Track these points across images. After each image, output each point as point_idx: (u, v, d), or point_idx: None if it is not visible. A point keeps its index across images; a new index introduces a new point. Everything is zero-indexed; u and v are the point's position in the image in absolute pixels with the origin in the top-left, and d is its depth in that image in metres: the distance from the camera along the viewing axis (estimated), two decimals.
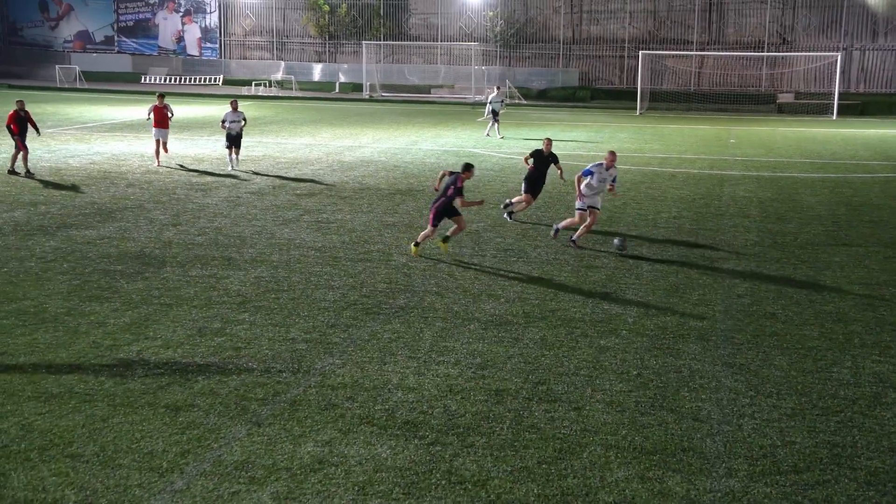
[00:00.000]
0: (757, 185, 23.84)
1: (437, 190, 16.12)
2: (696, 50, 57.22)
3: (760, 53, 55.90)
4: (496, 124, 35.16)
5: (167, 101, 26.47)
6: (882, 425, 8.86)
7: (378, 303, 12.79)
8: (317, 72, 65.77)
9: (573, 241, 16.36)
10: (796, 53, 54.85)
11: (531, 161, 18.79)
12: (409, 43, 64.09)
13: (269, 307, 12.48)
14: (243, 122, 25.52)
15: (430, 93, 59.21)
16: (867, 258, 15.63)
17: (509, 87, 55.65)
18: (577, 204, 16.47)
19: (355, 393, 9.54)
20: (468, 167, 15.58)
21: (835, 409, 9.24)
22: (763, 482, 7.73)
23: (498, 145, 32.24)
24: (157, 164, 25.60)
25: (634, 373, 10.25)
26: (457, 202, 15.32)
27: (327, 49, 66.84)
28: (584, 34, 60.80)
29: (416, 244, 15.51)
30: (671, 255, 15.83)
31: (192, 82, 65.30)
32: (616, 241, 16.12)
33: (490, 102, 35.35)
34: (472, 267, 14.87)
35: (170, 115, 26.02)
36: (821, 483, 7.71)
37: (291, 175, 24.48)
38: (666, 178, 24.82)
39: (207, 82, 65.01)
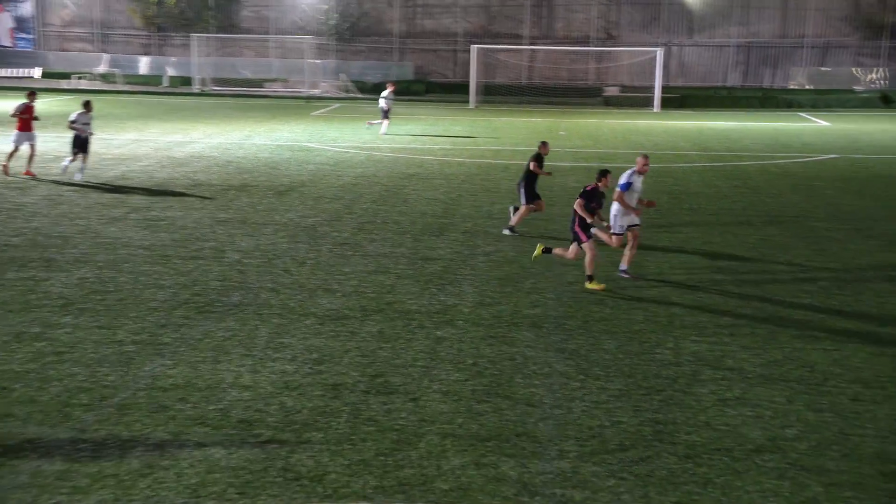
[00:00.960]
0: (586, 175, 24.61)
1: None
2: (528, 44, 58.60)
3: (587, 48, 57.80)
4: (386, 121, 33.96)
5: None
6: (699, 401, 9.34)
7: (211, 301, 12.49)
8: (144, 65, 63.43)
9: (626, 273, 13.93)
10: (621, 48, 57.01)
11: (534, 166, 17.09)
12: (240, 36, 62.81)
13: (94, 309, 11.98)
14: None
15: (262, 87, 58.22)
16: (687, 244, 16.42)
17: (344, 81, 55.41)
18: (614, 227, 14.08)
19: (188, 394, 9.29)
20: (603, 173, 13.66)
21: (658, 389, 9.67)
22: (592, 461, 8.01)
23: (333, 139, 32.06)
24: (7, 173, 22.22)
25: (470, 362, 10.42)
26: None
27: (155, 41, 64.67)
28: (417, 28, 61.25)
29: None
30: (505, 245, 16.16)
31: (4, 76, 61.54)
32: None
33: (384, 98, 34.05)
34: (308, 262, 14.73)
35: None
36: (644, 459, 8.06)
37: (118, 171, 23.56)
38: (500, 170, 25.32)
39: (22, 75, 61.59)
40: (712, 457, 8.11)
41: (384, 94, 34.56)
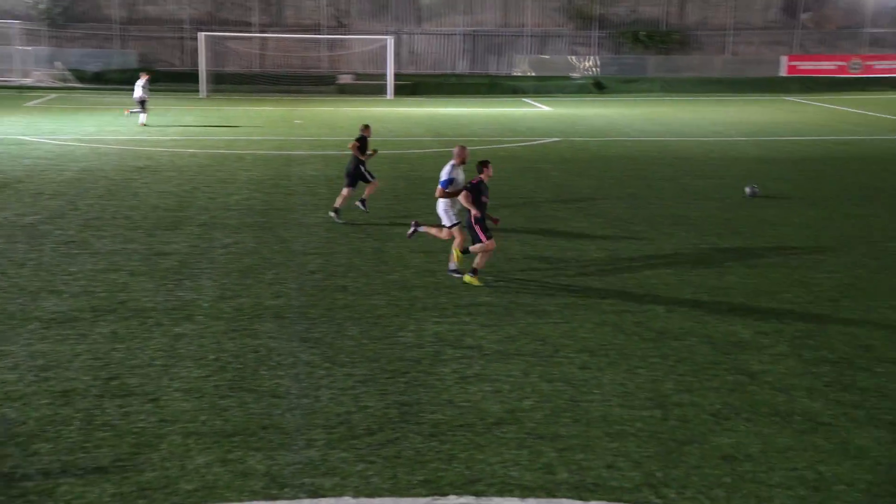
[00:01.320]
0: (324, 163, 24.62)
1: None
2: (257, 32, 57.59)
3: (318, 36, 57.65)
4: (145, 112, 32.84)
5: None
6: (442, 380, 9.61)
7: None
8: None
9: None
10: (352, 36, 57.34)
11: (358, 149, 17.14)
12: None
13: None
14: None
15: None
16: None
17: (61, 70, 52.03)
18: (446, 220, 13.73)
19: None
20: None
21: (402, 371, 9.85)
22: (340, 448, 8.04)
23: (52, 132, 30.04)
24: None
25: (212, 357, 10.14)
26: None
27: None
28: (140, 14, 58.44)
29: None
30: (245, 237, 15.85)
31: None
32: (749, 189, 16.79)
33: (141, 87, 32.83)
34: (29, 263, 13.74)
35: None
36: (391, 441, 8.20)
37: None
38: (235, 161, 24.77)
39: None
40: (456, 433, 8.37)
41: (139, 83, 33.11)
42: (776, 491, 7.35)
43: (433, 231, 14.17)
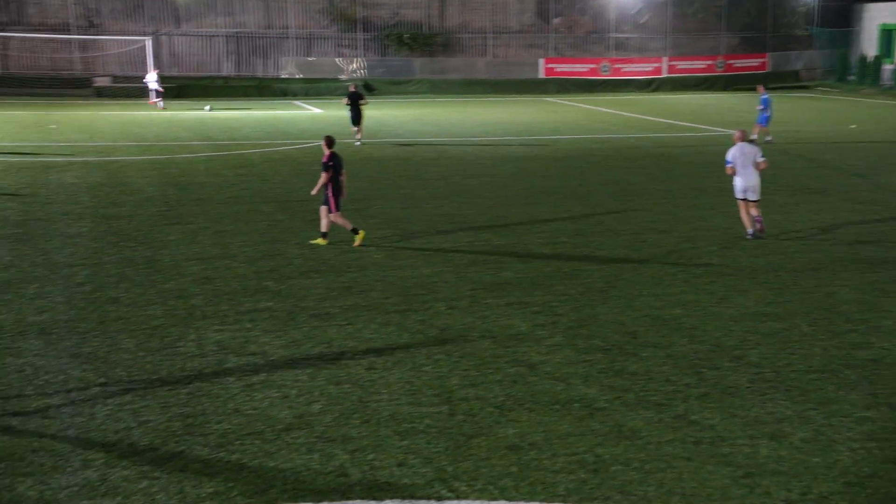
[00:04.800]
0: (85, 170, 23.36)
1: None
2: None
3: (68, 36, 54.55)
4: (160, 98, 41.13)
5: None
6: (227, 389, 9.36)
7: None
8: None
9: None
10: (106, 37, 54.68)
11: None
12: None
13: None
14: None
15: None
16: (199, 234, 16.32)
17: None
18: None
19: None
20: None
21: (184, 382, 9.51)
22: (121, 466, 7.66)
23: None
24: None
25: None
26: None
27: None
28: None
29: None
30: (0, 250, 14.78)
31: None
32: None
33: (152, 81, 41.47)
34: None
35: None
36: (176, 454, 7.89)
37: None
38: None
39: None
40: (244, 442, 8.18)
41: (153, 77, 42.36)
42: (559, 476, 7.67)
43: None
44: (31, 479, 7.41)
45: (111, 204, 18.88)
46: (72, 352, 10.33)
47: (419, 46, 58.78)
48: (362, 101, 30.14)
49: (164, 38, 56.82)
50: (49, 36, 53.97)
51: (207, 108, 42.68)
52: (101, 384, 9.40)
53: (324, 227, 15.68)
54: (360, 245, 15.47)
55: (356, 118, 29.81)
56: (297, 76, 56.88)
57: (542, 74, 59.11)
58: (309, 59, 58.19)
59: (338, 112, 39.43)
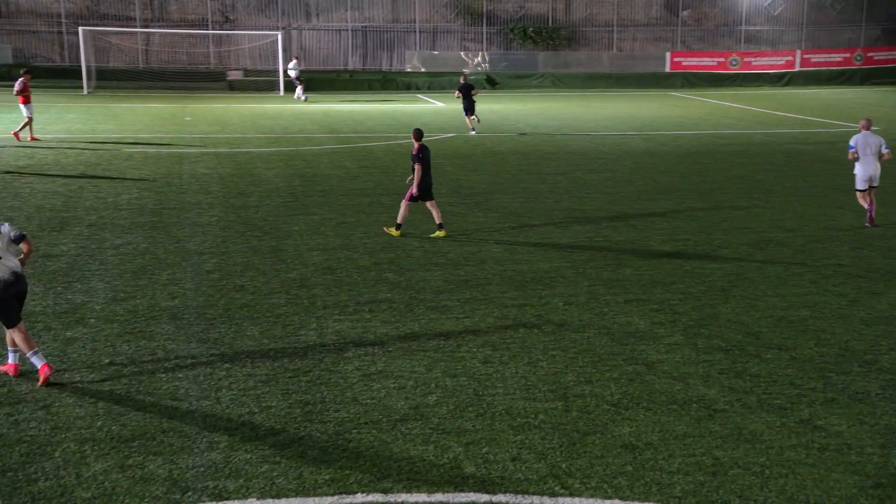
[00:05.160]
0: (216, 161, 24.17)
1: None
2: (140, 27, 56.11)
3: (205, 31, 56.51)
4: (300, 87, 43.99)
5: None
6: (346, 378, 9.55)
7: None
8: None
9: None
10: (240, 32, 56.40)
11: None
12: None
13: None
14: None
15: None
16: (322, 224, 16.69)
17: None
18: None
19: None
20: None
21: (304, 370, 9.76)
22: (243, 449, 7.91)
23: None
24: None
25: (107, 361, 9.86)
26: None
27: None
28: (11, 7, 56.24)
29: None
30: (136, 237, 15.44)
31: None
32: None
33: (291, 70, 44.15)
34: None
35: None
36: (296, 440, 8.11)
37: None
38: (123, 159, 24.10)
39: None
40: (361, 431, 8.34)
41: (291, 65, 44.91)
42: (676, 477, 7.55)
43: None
44: (160, 458, 7.73)
45: (240, 194, 19.49)
46: (200, 337, 10.72)
47: (543, 40, 58.50)
48: (474, 92, 31.53)
49: (294, 32, 58.22)
50: (187, 31, 56.05)
51: (303, 98, 44.28)
52: (226, 369, 9.73)
53: (437, 217, 15.94)
54: (388, 231, 15.96)
55: (469, 108, 31.25)
56: (421, 70, 57.42)
57: (667, 68, 58.05)
58: (433, 52, 58.66)
59: (459, 105, 39.64)
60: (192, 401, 8.90)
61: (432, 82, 54.52)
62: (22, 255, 9.68)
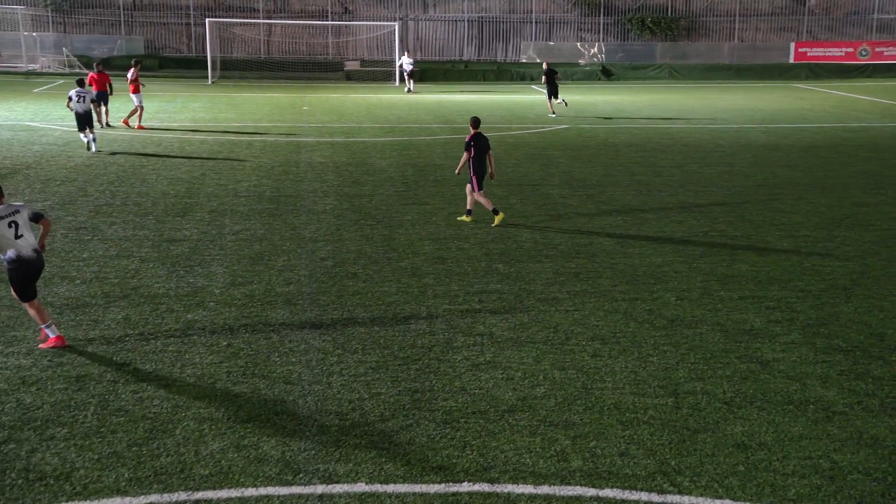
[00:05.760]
0: (332, 150, 24.61)
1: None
2: (263, 18, 57.51)
3: (325, 22, 57.53)
4: (411, 81, 44.51)
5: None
6: (454, 368, 9.62)
7: None
8: None
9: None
10: (358, 23, 57.21)
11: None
12: None
13: None
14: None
15: None
16: (434, 215, 16.81)
17: (67, 56, 51.99)
18: None
19: None
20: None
21: (414, 358, 9.87)
22: (353, 434, 8.06)
23: (61, 118, 29.98)
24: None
25: (224, 343, 10.17)
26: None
27: None
28: (146, 0, 58.42)
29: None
30: (254, 223, 15.86)
31: None
32: None
33: (408, 64, 44.70)
34: None
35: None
36: (404, 428, 8.21)
37: None
38: (244, 147, 24.77)
39: None
40: (468, 420, 8.39)
41: (406, 59, 45.17)
42: (790, 480, 7.35)
43: None
44: (274, 439, 7.94)
45: (354, 183, 19.80)
46: (313, 322, 10.96)
47: (662, 30, 57.47)
48: (557, 77, 33.93)
49: (411, 23, 58.72)
50: (307, 22, 57.17)
51: (305, 107, 43.57)
52: (337, 355, 9.93)
53: (469, 203, 16.29)
54: (498, 225, 15.86)
55: (553, 92, 33.35)
56: (536, 60, 57.12)
57: (791, 59, 56.25)
58: (549, 43, 58.29)
59: (573, 97, 39.31)
60: (305, 385, 9.11)
61: None
62: (41, 234, 10.21)
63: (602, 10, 58.07)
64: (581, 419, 8.43)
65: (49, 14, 56.89)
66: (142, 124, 28.27)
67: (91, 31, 58.10)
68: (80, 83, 24.39)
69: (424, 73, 52.57)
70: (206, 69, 48.98)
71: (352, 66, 55.25)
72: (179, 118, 31.13)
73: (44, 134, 26.19)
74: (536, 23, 58.66)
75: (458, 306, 11.63)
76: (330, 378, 9.29)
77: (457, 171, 16.70)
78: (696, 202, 18.19)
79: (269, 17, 57.74)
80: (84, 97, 23.74)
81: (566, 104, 34.08)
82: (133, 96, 27.95)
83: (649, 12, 57.81)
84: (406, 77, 45.08)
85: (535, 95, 43.73)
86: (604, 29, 58.40)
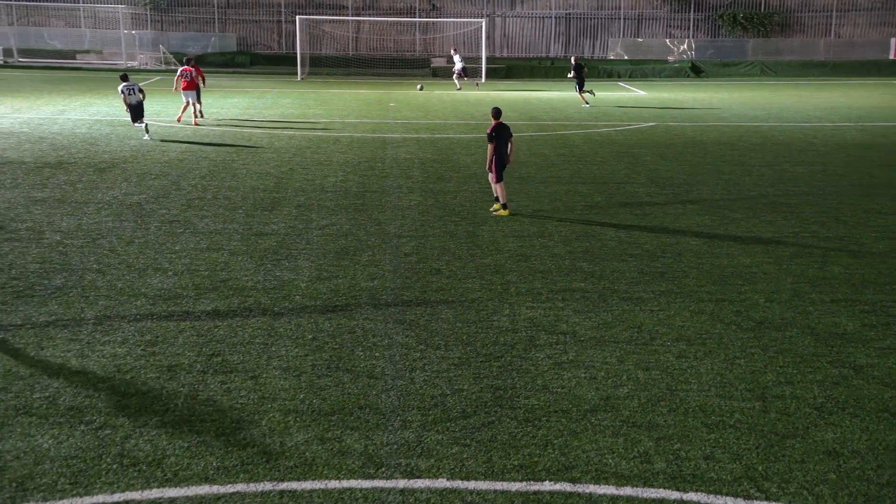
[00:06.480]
0: (417, 146, 24.75)
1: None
2: (352, 15, 58.15)
3: (412, 19, 57.90)
4: (465, 78, 45.40)
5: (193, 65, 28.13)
6: (536, 366, 9.59)
7: (31, 284, 11.84)
8: None
9: None
10: (445, 19, 57.41)
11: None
12: (46, 4, 59.26)
13: None
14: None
15: (75, 58, 55.34)
16: (517, 212, 16.77)
17: (164, 53, 53.38)
18: None
19: (8, 383, 8.79)
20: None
21: (496, 355, 9.87)
22: (435, 430, 8.10)
23: (156, 113, 30.81)
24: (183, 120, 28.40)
25: (309, 336, 10.32)
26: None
27: None
28: None
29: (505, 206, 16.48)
30: (340, 218, 16.05)
31: None
32: None
33: (458, 63, 44.78)
34: (136, 241, 14.17)
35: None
36: (486, 425, 8.22)
37: None
38: (331, 143, 25.09)
39: None
40: (550, 419, 8.35)
41: (456, 57, 45.10)
42: (886, 490, 7.13)
43: None
44: (357, 433, 8.03)
45: (438, 179, 19.88)
46: (397, 318, 11.04)
47: (754, 27, 56.31)
48: (584, 71, 36.02)
49: (497, 19, 58.67)
50: (395, 19, 57.64)
51: (419, 87, 44.03)
52: (420, 350, 9.99)
53: (501, 197, 16.47)
54: (495, 214, 16.29)
55: (581, 84, 35.70)
56: (624, 57, 56.51)
57: (892, 55, 54.49)
58: (637, 40, 57.61)
59: (661, 94, 38.79)
60: (388, 379, 9.19)
61: (634, 70, 53.60)
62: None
63: (692, 5, 57.14)
64: (665, 421, 8.32)
65: (148, 12, 58.51)
66: (182, 116, 28.68)
67: (186, 28, 59.57)
68: (125, 77, 25.40)
69: (510, 70, 52.46)
70: (296, 66, 49.76)
71: (438, 62, 55.46)
72: (269, 114, 31.67)
73: (140, 129, 26.95)
74: (625, 19, 58.01)
75: (542, 304, 11.58)
76: (413, 373, 9.35)
77: (487, 167, 16.54)
78: (786, 202, 17.78)
79: (358, 14, 58.36)
80: (133, 89, 24.94)
81: (593, 94, 36.74)
82: (183, 93, 28.03)
83: (741, 8, 56.67)
84: (456, 76, 45.30)
85: (622, 93, 43.27)
86: (694, 25, 57.46)
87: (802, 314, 11.24)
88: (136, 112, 24.96)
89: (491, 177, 16.45)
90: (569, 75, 37.37)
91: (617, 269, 13.19)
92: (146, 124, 24.97)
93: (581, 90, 35.77)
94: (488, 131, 16.26)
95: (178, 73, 27.81)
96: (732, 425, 8.23)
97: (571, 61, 37.35)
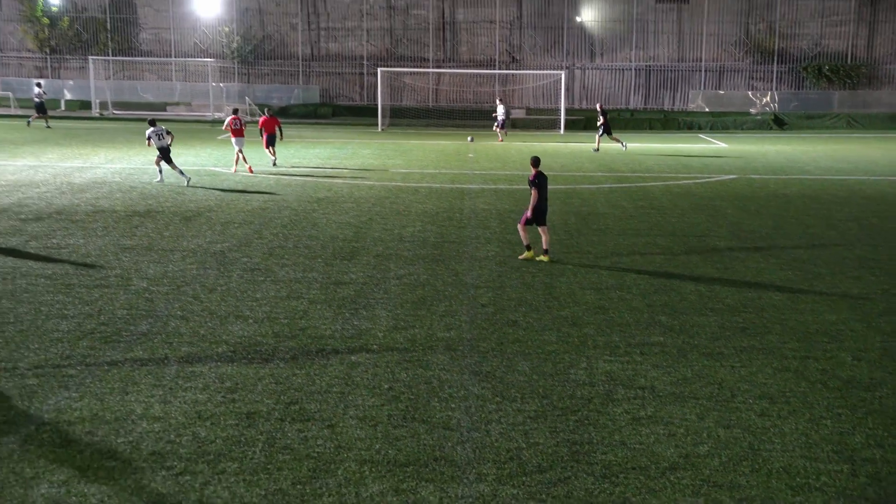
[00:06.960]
0: (495, 197, 24.84)
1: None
2: (433, 67, 59.00)
3: (492, 71, 58.47)
4: (503, 130, 45.14)
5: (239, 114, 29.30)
6: (614, 421, 9.46)
7: (118, 330, 12.16)
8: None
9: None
10: (525, 71, 57.84)
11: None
12: (140, 59, 61.53)
13: None
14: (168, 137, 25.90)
15: (165, 110, 57.15)
16: (595, 264, 16.67)
17: (250, 105, 54.80)
18: None
19: (95, 427, 9.00)
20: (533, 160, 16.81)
21: (573, 409, 9.76)
22: (510, 484, 8.03)
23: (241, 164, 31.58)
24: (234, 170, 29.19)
25: (386, 386, 10.36)
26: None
27: (49, 64, 62.78)
28: (322, 51, 61.00)
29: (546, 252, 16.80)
30: (418, 268, 16.16)
31: None
32: None
33: (503, 114, 45.29)
34: (219, 289, 14.47)
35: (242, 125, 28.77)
36: (562, 480, 8.12)
37: (14, 198, 22.81)
38: (410, 193, 25.35)
39: None
40: (628, 475, 8.21)
41: (500, 108, 45.47)
42: None
43: None
44: (432, 485, 8.01)
45: (516, 230, 19.86)
46: (473, 369, 11.03)
47: (840, 79, 55.41)
48: (609, 118, 38.67)
49: (577, 71, 58.88)
50: (475, 71, 58.28)
51: (469, 139, 42.63)
52: (496, 402, 9.94)
53: (545, 243, 16.84)
54: (524, 259, 16.74)
55: (607, 130, 38.09)
56: (705, 109, 56.10)
57: None
58: (718, 91, 57.18)
59: (743, 146, 38.32)
60: (464, 431, 9.16)
61: (715, 122, 53.13)
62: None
63: (776, 58, 56.54)
64: (747, 481, 8.11)
65: (235, 65, 60.26)
66: (238, 168, 29.25)
67: (272, 81, 61.15)
68: (153, 123, 26.14)
69: (590, 122, 52.45)
70: (377, 117, 50.56)
71: (517, 114, 55.78)
72: (349, 164, 32.18)
73: (226, 178, 27.62)
74: (706, 71, 57.68)
75: (619, 358, 11.45)
76: (488, 425, 9.31)
77: (529, 213, 16.62)
78: (874, 257, 17.32)
79: (439, 66, 59.16)
80: (160, 134, 25.83)
81: (624, 146, 39.07)
82: (233, 140, 28.61)
83: (827, 59, 55.87)
84: (496, 127, 45.32)
85: (702, 144, 42.88)
86: (777, 77, 56.83)
87: (893, 374, 10.89)
88: (165, 155, 25.90)
89: (543, 228, 16.78)
90: (599, 123, 38.85)
91: (697, 323, 12.98)
92: (173, 169, 25.85)
93: (604, 135, 38.25)
94: (531, 178, 16.58)
95: (227, 121, 28.77)
96: (819, 488, 7.98)
97: (597, 107, 39.78)
